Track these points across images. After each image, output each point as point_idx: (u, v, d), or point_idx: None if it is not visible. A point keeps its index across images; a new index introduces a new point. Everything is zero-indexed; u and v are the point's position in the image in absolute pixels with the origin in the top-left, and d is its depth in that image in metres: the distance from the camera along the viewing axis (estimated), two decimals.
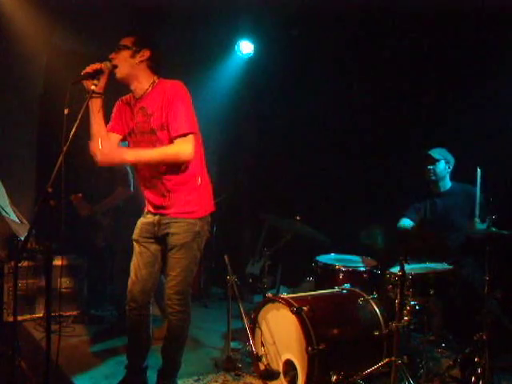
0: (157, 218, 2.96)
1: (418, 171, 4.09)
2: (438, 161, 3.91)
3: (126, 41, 2.89)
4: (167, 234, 2.92)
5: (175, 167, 2.86)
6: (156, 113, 2.84)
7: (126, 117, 2.99)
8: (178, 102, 2.81)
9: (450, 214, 3.93)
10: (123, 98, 3.04)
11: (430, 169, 3.95)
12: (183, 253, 2.90)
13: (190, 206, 2.92)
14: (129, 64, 2.86)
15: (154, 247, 2.99)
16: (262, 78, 5.90)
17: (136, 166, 3.05)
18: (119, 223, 4.41)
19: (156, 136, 2.86)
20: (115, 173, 4.32)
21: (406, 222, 4.02)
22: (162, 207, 2.94)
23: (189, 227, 2.90)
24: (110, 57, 2.87)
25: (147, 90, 2.90)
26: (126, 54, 2.86)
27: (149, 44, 2.92)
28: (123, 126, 3.00)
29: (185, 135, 2.77)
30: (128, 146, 3.04)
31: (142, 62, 2.88)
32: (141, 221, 3.05)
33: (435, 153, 3.93)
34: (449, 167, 3.95)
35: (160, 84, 2.91)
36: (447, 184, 4.00)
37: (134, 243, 3.03)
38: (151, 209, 3.01)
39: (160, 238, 2.96)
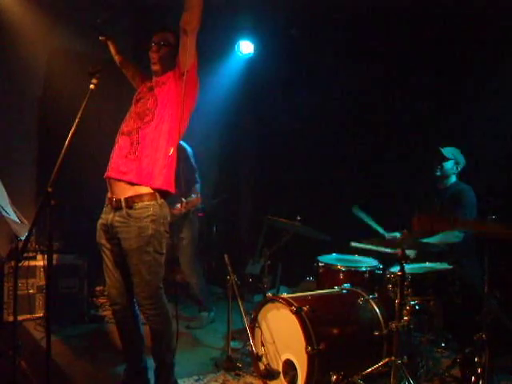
0: (110, 217, 2.87)
1: (420, 172, 4.11)
2: (447, 159, 3.93)
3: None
4: (119, 239, 2.85)
5: (156, 139, 2.83)
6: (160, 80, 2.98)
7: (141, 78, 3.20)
8: None
9: (440, 212, 3.96)
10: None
11: (437, 165, 3.98)
12: (138, 258, 2.80)
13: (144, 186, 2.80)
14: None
15: (117, 248, 2.90)
16: (262, 78, 5.89)
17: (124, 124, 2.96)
18: None
19: (153, 92, 2.92)
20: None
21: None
22: (122, 173, 2.83)
23: (140, 231, 2.79)
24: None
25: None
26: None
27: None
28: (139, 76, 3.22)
29: None
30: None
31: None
32: (99, 223, 2.97)
33: (447, 151, 3.94)
34: (457, 168, 3.96)
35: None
36: (450, 183, 4.02)
37: (99, 247, 2.97)
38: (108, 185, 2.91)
39: (116, 240, 2.89)
